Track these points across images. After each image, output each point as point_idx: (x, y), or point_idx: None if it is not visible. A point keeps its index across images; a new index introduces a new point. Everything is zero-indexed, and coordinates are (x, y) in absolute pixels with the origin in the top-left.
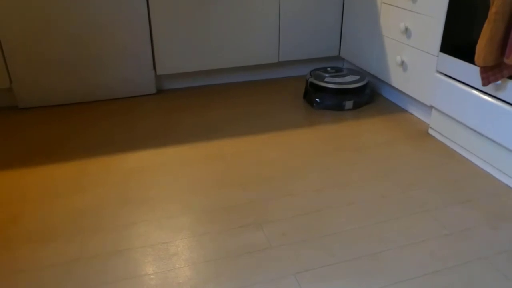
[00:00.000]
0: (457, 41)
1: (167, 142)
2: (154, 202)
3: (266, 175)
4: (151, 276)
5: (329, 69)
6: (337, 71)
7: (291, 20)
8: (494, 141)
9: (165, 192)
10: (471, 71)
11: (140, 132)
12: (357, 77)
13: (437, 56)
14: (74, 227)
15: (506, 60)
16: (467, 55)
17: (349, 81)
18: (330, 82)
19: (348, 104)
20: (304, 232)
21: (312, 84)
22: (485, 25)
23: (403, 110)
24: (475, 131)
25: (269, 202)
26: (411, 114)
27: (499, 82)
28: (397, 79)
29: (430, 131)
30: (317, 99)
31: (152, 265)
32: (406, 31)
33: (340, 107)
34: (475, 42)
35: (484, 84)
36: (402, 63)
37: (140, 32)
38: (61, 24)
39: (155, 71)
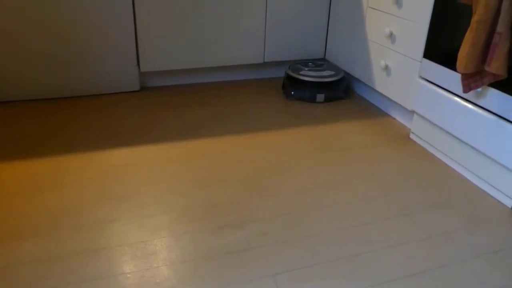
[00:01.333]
0: (440, 47)
1: (149, 139)
2: (134, 200)
3: (248, 174)
4: (128, 275)
5: (310, 63)
6: (317, 66)
7: (277, 21)
8: (473, 147)
9: (145, 190)
10: (453, 78)
11: (122, 129)
12: (333, 72)
13: (420, 62)
14: (52, 224)
15: (487, 68)
16: (449, 61)
17: (324, 75)
18: (305, 75)
19: (320, 97)
20: (284, 232)
21: (288, 76)
22: (467, 33)
23: (386, 114)
24: (455, 137)
25: (250, 202)
26: (393, 118)
27: (479, 89)
28: (380, 83)
29: (411, 136)
30: (292, 91)
31: (129, 264)
32: (391, 36)
33: (312, 99)
34: (458, 49)
35: (465, 91)
36: (386, 67)
37: (125, 28)
38: (45, 18)
39: (139, 68)
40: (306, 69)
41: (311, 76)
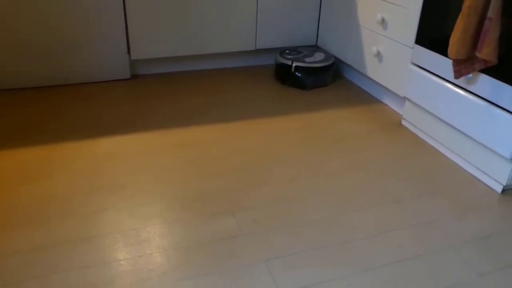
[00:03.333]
0: (432, 33)
1: (140, 128)
2: (125, 188)
3: (239, 163)
4: (121, 262)
5: (287, 51)
6: (299, 53)
7: (269, 8)
8: (464, 133)
9: (136, 179)
10: (444, 64)
11: (113, 117)
12: (324, 55)
13: (412, 48)
14: (42, 213)
15: (478, 54)
16: (441, 47)
17: (319, 59)
18: (313, 62)
19: (329, 79)
20: (276, 220)
21: (298, 67)
22: (459, 19)
23: (378, 100)
24: (446, 123)
25: (242, 190)
26: (385, 104)
27: (470, 75)
28: (372, 69)
29: (403, 122)
30: (310, 81)
31: (122, 251)
32: (383, 22)
33: (324, 83)
34: (449, 35)
35: (456, 77)
36: (378, 54)
37: (114, 14)
38: (33, 6)
39: (130, 55)
40: (301, 56)
41: (318, 62)
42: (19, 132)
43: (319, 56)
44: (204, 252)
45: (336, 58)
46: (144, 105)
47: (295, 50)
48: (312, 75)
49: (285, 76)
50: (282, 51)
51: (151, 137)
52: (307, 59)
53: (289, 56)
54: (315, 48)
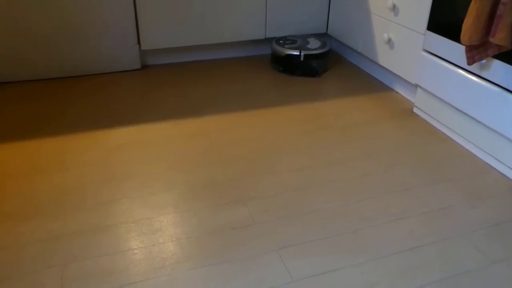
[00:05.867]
0: (444, 19)
1: (150, 118)
2: (137, 179)
3: (249, 153)
4: (135, 251)
5: (281, 41)
6: (293, 42)
7: None
8: (477, 120)
9: (148, 169)
10: (457, 50)
11: (124, 108)
12: (318, 41)
13: (424, 34)
14: (56, 204)
15: (491, 39)
16: (453, 33)
17: (319, 45)
18: (317, 49)
19: (329, 63)
20: (286, 209)
21: (307, 55)
22: (472, 4)
23: (389, 88)
24: (459, 110)
25: (252, 179)
26: (397, 92)
27: (484, 61)
28: (383, 57)
29: (415, 110)
30: (320, 67)
31: (136, 240)
32: (394, 8)
33: (327, 68)
34: (462, 21)
35: (469, 63)
36: (389, 41)
37: (124, 5)
38: None
39: (140, 46)
40: (300, 45)
41: (320, 48)
42: (31, 124)
43: (315, 42)
44: (217, 241)
45: (347, 46)
46: (155, 96)
47: (289, 40)
48: (320, 61)
49: (293, 66)
50: (277, 42)
51: (162, 127)
52: (309, 47)
53: (293, 45)
54: (306, 36)
